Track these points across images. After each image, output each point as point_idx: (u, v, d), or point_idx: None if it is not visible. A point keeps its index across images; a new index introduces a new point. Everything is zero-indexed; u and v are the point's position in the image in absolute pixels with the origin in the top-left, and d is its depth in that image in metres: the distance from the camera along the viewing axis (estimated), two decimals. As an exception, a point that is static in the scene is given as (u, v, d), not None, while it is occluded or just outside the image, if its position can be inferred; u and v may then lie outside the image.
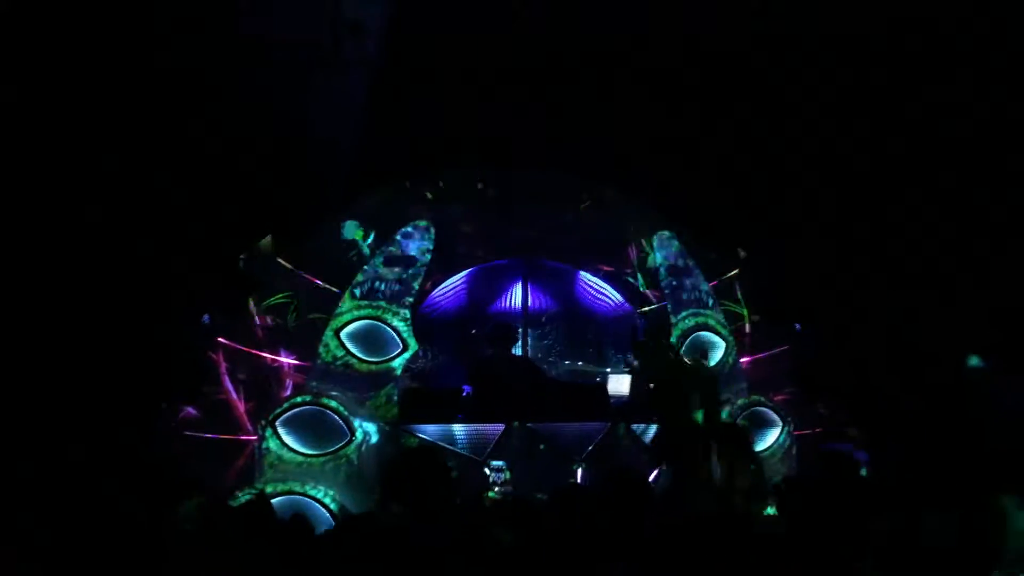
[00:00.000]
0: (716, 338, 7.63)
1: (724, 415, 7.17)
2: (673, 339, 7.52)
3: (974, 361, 7.94)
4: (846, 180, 8.46)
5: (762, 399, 7.51)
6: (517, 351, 7.75)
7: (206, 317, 7.33)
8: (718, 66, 8.02)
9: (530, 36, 7.42)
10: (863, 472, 6.47)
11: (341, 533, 3.99)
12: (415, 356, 7.35)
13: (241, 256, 7.42)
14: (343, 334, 7.04)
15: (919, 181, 8.29)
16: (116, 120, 7.39)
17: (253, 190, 7.55)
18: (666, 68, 7.94)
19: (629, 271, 8.27)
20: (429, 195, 7.92)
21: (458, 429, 6.78)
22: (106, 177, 7.32)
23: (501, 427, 6.71)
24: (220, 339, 7.18)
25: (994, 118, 7.85)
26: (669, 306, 7.79)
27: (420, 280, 7.44)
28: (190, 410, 6.99)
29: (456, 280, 8.11)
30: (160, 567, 3.63)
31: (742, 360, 7.82)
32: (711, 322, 7.68)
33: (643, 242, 8.18)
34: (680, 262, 7.95)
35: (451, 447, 6.70)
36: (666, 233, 8.10)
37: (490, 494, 6.12)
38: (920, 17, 7.56)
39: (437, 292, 8.03)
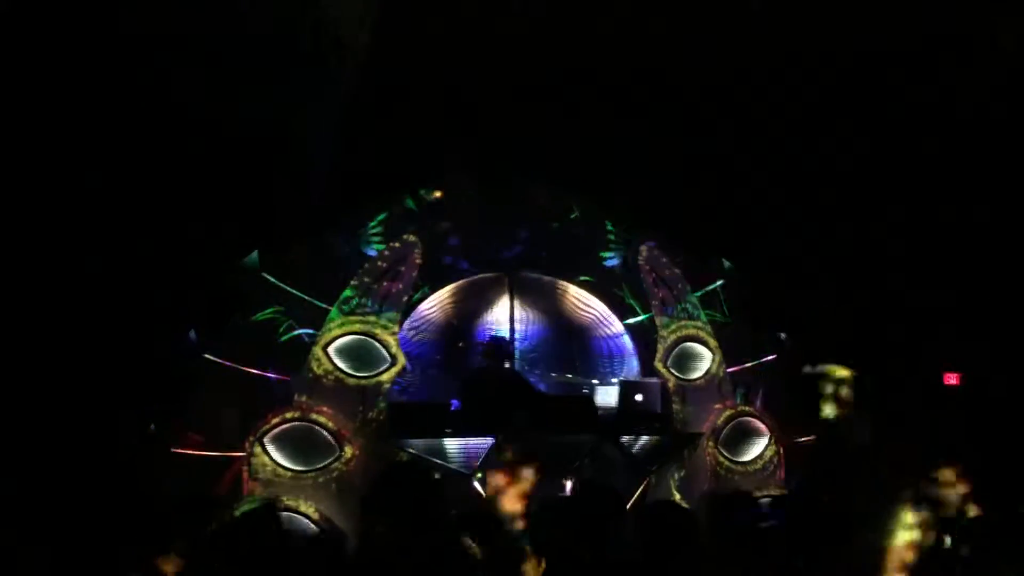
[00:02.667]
0: (703, 349, 7.65)
1: None
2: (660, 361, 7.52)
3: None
4: (830, 185, 8.51)
5: (748, 409, 7.55)
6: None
7: (192, 334, 7.28)
8: (700, 75, 8.06)
9: (517, 48, 7.42)
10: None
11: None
12: (403, 371, 7.34)
13: (226, 271, 7.38)
14: (331, 349, 7.00)
15: (905, 183, 8.35)
16: (98, 132, 7.31)
17: (238, 204, 7.50)
18: (650, 77, 7.96)
19: (615, 283, 8.31)
20: (414, 207, 7.92)
21: (447, 443, 6.78)
22: (89, 193, 7.25)
23: (490, 440, 6.71)
24: (207, 356, 7.15)
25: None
26: (655, 317, 7.81)
27: (408, 294, 7.43)
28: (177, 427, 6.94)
29: (442, 294, 8.12)
30: None
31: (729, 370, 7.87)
32: (699, 333, 7.70)
33: (629, 253, 8.22)
34: (665, 272, 7.98)
35: (440, 461, 6.70)
36: (651, 244, 8.14)
37: None
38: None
39: (424, 306, 8.03)
